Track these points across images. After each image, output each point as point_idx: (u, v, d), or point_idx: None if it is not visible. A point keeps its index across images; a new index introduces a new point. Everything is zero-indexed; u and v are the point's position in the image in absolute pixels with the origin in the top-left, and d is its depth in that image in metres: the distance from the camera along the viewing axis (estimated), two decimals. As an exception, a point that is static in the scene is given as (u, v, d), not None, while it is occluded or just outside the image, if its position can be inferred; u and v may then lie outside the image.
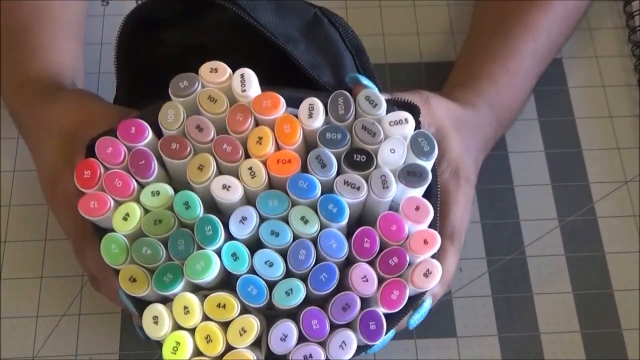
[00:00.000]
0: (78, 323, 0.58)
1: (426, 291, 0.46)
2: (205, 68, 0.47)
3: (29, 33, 0.59)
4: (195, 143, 0.47)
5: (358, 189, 0.45)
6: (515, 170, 0.64)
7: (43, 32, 0.60)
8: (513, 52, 0.60)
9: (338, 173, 0.46)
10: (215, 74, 0.47)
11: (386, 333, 0.44)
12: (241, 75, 0.47)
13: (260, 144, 0.46)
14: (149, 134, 0.47)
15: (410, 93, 0.52)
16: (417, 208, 0.46)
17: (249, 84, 0.47)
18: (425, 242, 0.45)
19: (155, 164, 0.46)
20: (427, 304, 0.48)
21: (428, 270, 0.44)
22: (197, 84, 0.47)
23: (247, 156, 0.47)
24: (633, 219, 0.62)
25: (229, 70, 0.47)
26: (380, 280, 0.45)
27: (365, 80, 0.49)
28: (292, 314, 0.45)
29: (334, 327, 0.44)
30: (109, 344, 0.57)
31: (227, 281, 0.47)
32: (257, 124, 0.48)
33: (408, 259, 0.45)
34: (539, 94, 0.67)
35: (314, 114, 0.46)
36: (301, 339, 0.44)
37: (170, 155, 0.46)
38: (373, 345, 0.45)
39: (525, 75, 0.61)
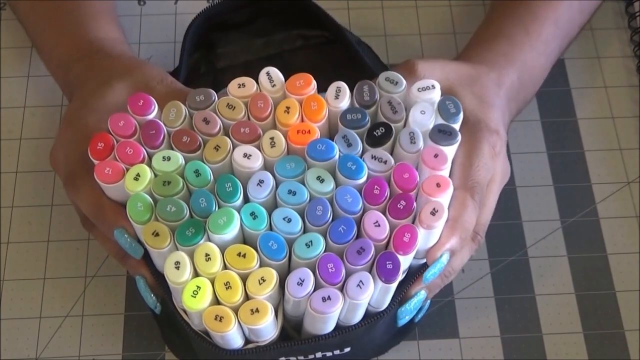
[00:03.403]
0: (81, 324, 0.58)
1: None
2: (233, 84, 0.50)
3: (90, 3, 0.60)
4: (203, 136, 0.49)
5: (385, 162, 0.48)
6: (517, 171, 0.64)
7: (103, 4, 0.61)
8: (533, 16, 0.59)
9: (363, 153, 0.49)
10: (243, 88, 0.50)
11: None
12: (267, 72, 0.50)
13: (288, 113, 0.49)
14: (155, 108, 0.49)
15: (400, 65, 0.53)
16: (436, 155, 0.47)
17: (277, 80, 0.50)
18: (438, 185, 0.46)
19: (165, 133, 0.48)
20: (443, 259, 0.48)
21: (434, 209, 0.46)
22: (213, 98, 0.50)
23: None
24: (635, 220, 0.62)
25: (255, 85, 0.50)
26: (392, 228, 0.46)
27: None
28: (312, 269, 0.46)
29: (349, 274, 0.45)
30: (112, 345, 0.57)
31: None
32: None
33: (415, 202, 0.46)
34: (541, 95, 0.67)
35: (340, 96, 0.49)
36: (318, 288, 0.45)
37: (181, 148, 0.48)
38: (412, 314, 0.47)
39: (546, 42, 0.59)
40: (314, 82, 0.50)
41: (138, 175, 0.46)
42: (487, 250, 0.61)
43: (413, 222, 0.46)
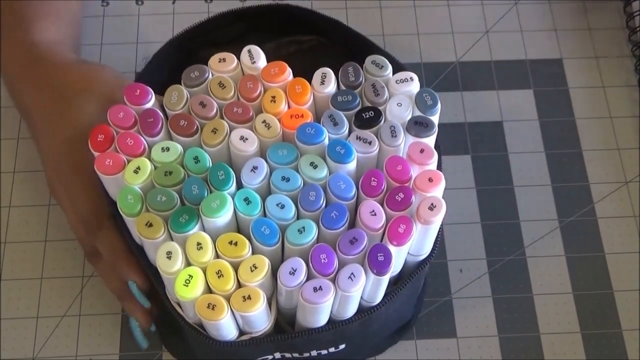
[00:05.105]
0: (78, 324, 0.58)
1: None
2: (214, 58, 0.50)
3: (34, 4, 0.60)
4: (199, 120, 0.49)
5: (370, 143, 0.48)
6: (515, 171, 0.64)
7: (48, 5, 0.61)
8: None
9: (349, 133, 0.49)
10: (223, 63, 0.50)
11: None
12: (248, 50, 0.51)
13: (274, 102, 0.49)
14: (152, 96, 0.50)
15: None
16: (422, 151, 0.47)
17: (257, 56, 0.51)
18: (430, 180, 0.46)
19: (162, 122, 0.48)
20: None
21: (432, 204, 0.46)
22: (207, 74, 0.50)
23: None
24: (633, 220, 0.62)
25: (236, 60, 0.50)
26: (388, 219, 0.46)
27: None
28: (304, 260, 0.46)
29: (342, 265, 0.45)
30: (109, 345, 0.57)
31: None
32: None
33: (414, 195, 0.46)
34: (539, 94, 0.67)
35: (326, 81, 0.50)
36: (311, 278, 0.45)
37: (179, 132, 0.48)
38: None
39: None
40: (289, 69, 0.50)
41: (138, 168, 0.46)
42: (485, 249, 0.61)
43: (411, 216, 0.46)
